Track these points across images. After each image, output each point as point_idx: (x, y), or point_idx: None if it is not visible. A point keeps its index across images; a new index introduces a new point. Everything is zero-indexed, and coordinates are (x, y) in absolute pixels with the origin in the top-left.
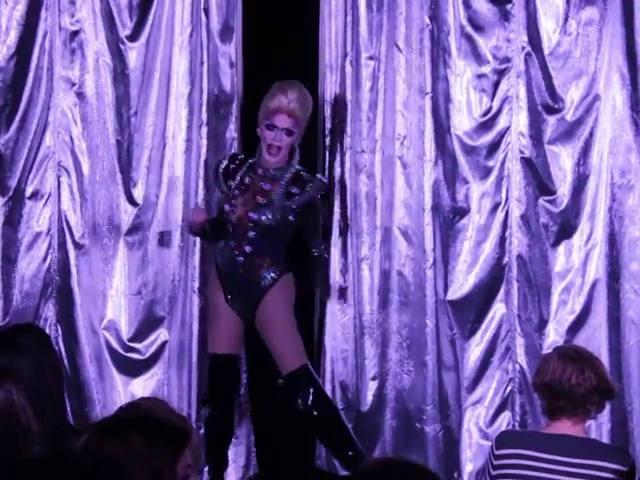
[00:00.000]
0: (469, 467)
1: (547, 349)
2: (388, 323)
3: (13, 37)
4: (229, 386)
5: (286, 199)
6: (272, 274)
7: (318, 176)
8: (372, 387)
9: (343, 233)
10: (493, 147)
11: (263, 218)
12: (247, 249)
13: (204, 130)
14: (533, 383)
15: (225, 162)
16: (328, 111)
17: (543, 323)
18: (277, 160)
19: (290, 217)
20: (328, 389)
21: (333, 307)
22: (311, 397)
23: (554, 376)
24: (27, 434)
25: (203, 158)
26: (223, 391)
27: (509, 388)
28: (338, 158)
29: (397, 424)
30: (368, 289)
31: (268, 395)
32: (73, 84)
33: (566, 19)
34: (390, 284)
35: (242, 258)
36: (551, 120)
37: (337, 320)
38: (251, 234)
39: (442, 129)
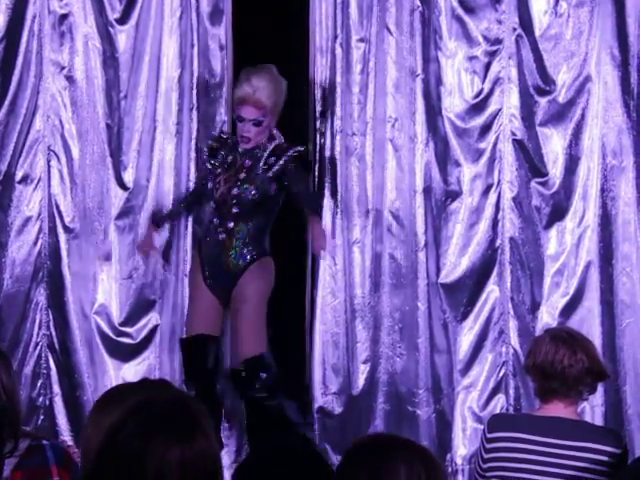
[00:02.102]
0: (462, 451)
1: (540, 332)
2: (380, 306)
3: (2, 21)
4: (203, 366)
5: (265, 172)
6: (251, 253)
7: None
8: (364, 370)
9: (334, 216)
10: (485, 129)
11: (245, 193)
12: (230, 225)
13: (194, 113)
14: (525, 365)
15: (210, 142)
16: (318, 94)
17: (536, 306)
18: (252, 145)
19: (270, 191)
20: (319, 373)
21: (324, 291)
22: (263, 383)
23: (546, 358)
24: (10, 414)
25: (194, 141)
26: (197, 371)
27: (502, 371)
28: (329, 141)
29: (389, 407)
30: (359, 272)
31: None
32: (62, 68)
33: (557, 0)
34: (382, 267)
35: (224, 235)
36: (542, 102)
37: (328, 303)
38: (234, 210)
39: (433, 111)
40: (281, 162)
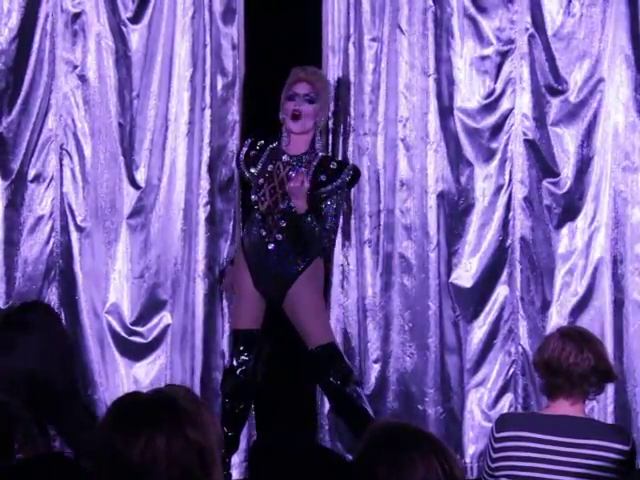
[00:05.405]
0: (471, 449)
1: (550, 331)
2: (390, 306)
3: (15, 19)
4: (250, 359)
5: (315, 188)
6: (303, 260)
7: (346, 162)
8: (375, 370)
9: (346, 215)
10: (496, 129)
11: (294, 208)
12: (278, 237)
13: (207, 113)
14: (533, 361)
15: (245, 149)
16: (331, 93)
17: (546, 305)
18: (301, 128)
19: (321, 204)
20: None
21: (336, 290)
22: (341, 374)
23: (553, 354)
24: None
25: (206, 141)
26: (244, 365)
27: (512, 370)
28: (341, 140)
29: (399, 406)
30: (371, 272)
31: (273, 375)
32: (75, 66)
33: (570, 0)
34: (393, 267)
35: (273, 245)
36: (555, 102)
37: (340, 303)
38: (282, 223)
39: (445, 111)
40: (335, 184)
